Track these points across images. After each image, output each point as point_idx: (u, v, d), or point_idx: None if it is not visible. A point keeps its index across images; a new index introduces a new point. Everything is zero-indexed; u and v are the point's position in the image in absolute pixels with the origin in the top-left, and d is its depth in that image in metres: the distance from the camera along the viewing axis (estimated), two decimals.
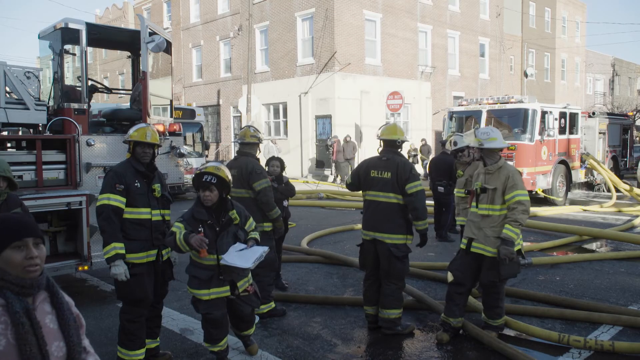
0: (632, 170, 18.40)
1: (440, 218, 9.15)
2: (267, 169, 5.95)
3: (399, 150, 4.89)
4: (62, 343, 1.69)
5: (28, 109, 5.77)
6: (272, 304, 5.27)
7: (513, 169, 4.63)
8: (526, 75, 32.87)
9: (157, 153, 4.43)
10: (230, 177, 3.84)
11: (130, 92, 7.32)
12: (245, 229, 3.96)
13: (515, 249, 4.39)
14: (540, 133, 12.91)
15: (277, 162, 6.07)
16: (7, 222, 1.73)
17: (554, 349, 4.40)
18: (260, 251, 3.73)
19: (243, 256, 3.66)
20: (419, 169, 20.56)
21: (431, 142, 24.47)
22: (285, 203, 6.02)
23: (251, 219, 4.07)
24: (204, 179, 3.76)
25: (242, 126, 6.34)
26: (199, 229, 3.73)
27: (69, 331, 1.72)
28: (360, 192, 5.06)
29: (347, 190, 16.18)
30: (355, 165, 20.18)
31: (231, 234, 3.83)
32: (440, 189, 8.84)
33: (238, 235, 3.85)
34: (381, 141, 4.94)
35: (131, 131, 4.15)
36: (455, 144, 6.94)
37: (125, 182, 3.97)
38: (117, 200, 3.92)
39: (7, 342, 1.58)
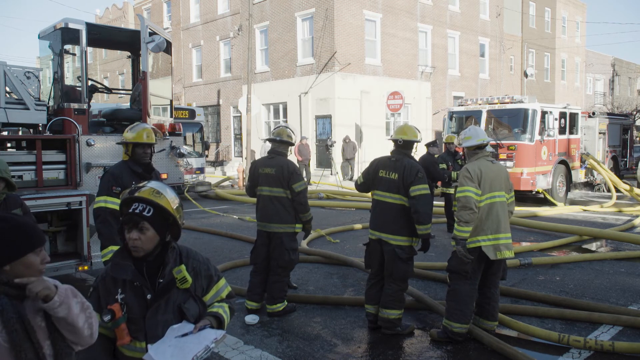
0: (632, 170, 18.40)
1: None
2: None
3: (411, 151, 4.90)
4: (48, 341, 1.70)
5: (28, 109, 5.77)
6: (285, 302, 5.40)
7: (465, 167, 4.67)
8: (526, 75, 32.87)
9: (154, 151, 4.44)
10: (178, 207, 2.29)
11: (130, 92, 7.32)
12: (203, 299, 2.34)
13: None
14: (540, 133, 12.92)
15: None
16: (33, 227, 1.78)
17: (554, 349, 4.40)
18: (211, 339, 2.16)
19: (182, 347, 2.12)
20: None
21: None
22: None
23: (222, 281, 2.43)
24: (131, 210, 2.20)
25: (277, 126, 6.25)
26: (116, 297, 2.21)
27: (53, 327, 1.72)
28: (361, 192, 5.08)
29: (346, 190, 16.38)
30: (356, 165, 20.43)
31: (172, 307, 2.24)
32: None
33: (184, 310, 2.24)
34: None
35: (127, 133, 4.15)
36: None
37: (122, 184, 3.97)
38: (114, 203, 3.91)
39: None
